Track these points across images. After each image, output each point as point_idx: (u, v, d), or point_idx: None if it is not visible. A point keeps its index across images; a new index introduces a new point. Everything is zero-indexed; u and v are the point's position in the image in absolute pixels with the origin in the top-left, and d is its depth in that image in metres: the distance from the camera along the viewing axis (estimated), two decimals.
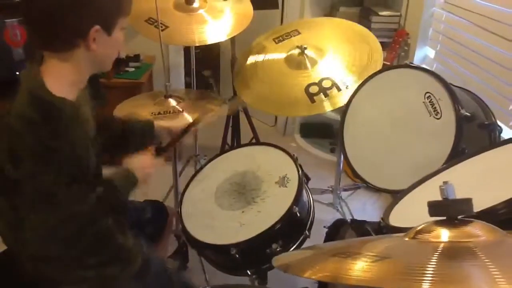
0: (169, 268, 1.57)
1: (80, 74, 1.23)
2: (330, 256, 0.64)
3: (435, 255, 0.57)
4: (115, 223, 1.29)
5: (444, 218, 0.61)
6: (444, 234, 0.60)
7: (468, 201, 0.61)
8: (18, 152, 1.12)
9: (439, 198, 1.15)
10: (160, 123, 1.67)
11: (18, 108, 1.13)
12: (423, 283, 0.52)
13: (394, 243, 0.66)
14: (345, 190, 2.72)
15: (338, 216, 2.53)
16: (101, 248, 1.27)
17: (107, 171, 1.38)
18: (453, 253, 0.58)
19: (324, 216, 2.54)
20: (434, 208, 0.62)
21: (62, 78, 1.18)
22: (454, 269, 0.56)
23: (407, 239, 0.64)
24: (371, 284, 0.58)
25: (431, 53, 2.67)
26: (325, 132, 3.51)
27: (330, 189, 2.59)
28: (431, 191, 1.23)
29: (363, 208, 2.77)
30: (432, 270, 0.54)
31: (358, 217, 2.54)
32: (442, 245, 0.59)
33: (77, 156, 1.17)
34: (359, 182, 2.86)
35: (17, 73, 2.38)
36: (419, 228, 0.63)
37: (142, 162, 1.46)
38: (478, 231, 0.59)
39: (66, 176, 1.14)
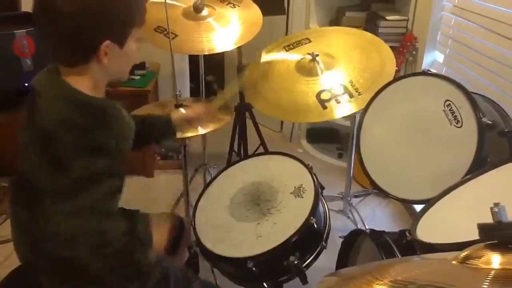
0: (189, 274, 1.56)
1: (96, 86, 1.22)
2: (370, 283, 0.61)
3: (485, 284, 0.54)
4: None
5: (496, 241, 0.59)
6: (495, 260, 0.58)
7: None
8: (65, 159, 1.12)
9: (467, 210, 1.14)
10: (175, 114, 1.71)
11: (54, 115, 1.12)
12: None
13: (439, 268, 0.63)
14: (355, 196, 2.69)
15: (349, 223, 2.50)
16: (121, 264, 1.26)
17: None
18: (506, 282, 0.55)
19: (335, 223, 2.52)
20: (485, 231, 0.59)
21: (82, 88, 1.18)
22: None
23: (454, 262, 0.61)
24: None
25: (440, 57, 2.65)
26: (332, 137, 3.49)
27: (341, 196, 2.57)
28: (458, 203, 1.21)
29: (373, 214, 2.74)
30: None
31: (369, 223, 2.53)
32: (493, 272, 0.57)
33: (121, 151, 1.22)
34: (369, 189, 2.87)
35: (26, 84, 2.39)
36: (467, 252, 0.61)
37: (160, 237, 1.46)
38: None
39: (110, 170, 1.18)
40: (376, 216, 2.73)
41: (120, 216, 1.26)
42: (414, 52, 2.72)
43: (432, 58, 2.68)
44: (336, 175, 3.02)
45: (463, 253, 0.60)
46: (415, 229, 1.11)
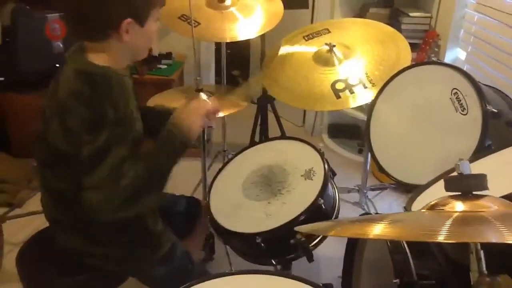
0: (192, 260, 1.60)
1: (116, 62, 1.29)
2: (353, 223, 0.68)
3: (449, 220, 0.60)
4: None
5: (459, 193, 0.64)
6: (458, 206, 0.63)
7: (482, 177, 0.63)
8: (74, 128, 1.17)
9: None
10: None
11: (67, 87, 1.20)
12: (439, 235, 0.55)
13: (412, 214, 0.69)
14: (372, 189, 2.72)
15: None
16: (132, 228, 1.34)
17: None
18: (466, 218, 0.61)
19: (350, 214, 2.56)
20: (449, 183, 0.64)
21: (101, 62, 1.25)
22: (467, 227, 0.59)
23: (424, 211, 0.67)
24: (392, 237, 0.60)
25: (462, 54, 2.66)
26: (353, 133, 3.51)
27: (357, 188, 2.60)
28: None
29: (390, 208, 2.76)
30: (447, 229, 0.57)
31: None
32: (456, 214, 0.62)
33: (121, 118, 1.21)
34: (387, 183, 2.89)
35: (56, 65, 2.52)
36: (435, 201, 0.66)
37: (192, 109, 1.40)
38: (491, 204, 0.62)
39: (117, 137, 1.19)
40: (393, 210, 2.75)
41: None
42: (436, 49, 2.73)
43: (454, 55, 2.70)
44: (355, 170, 3.05)
45: (432, 202, 0.66)
46: (411, 206, 1.15)
